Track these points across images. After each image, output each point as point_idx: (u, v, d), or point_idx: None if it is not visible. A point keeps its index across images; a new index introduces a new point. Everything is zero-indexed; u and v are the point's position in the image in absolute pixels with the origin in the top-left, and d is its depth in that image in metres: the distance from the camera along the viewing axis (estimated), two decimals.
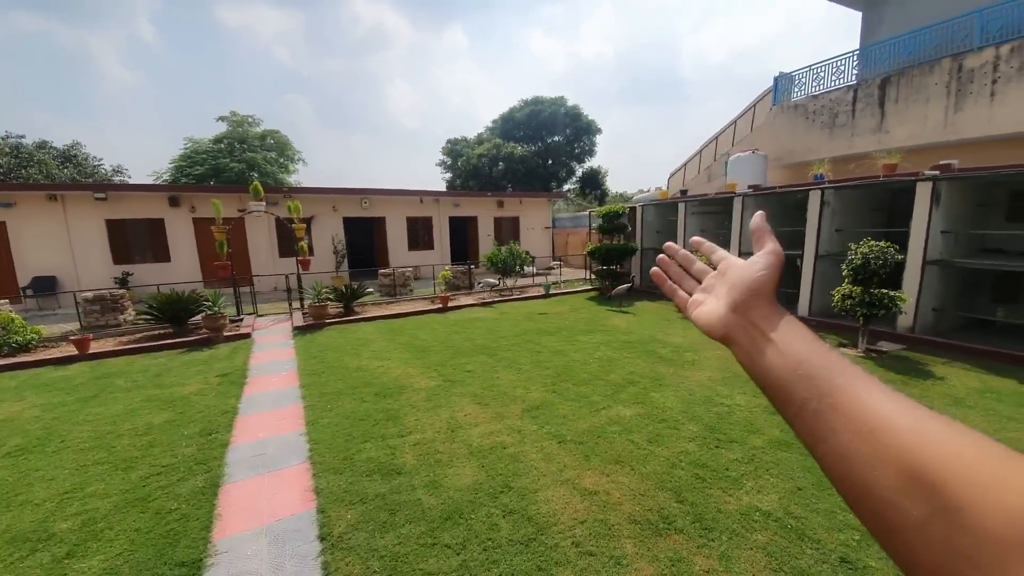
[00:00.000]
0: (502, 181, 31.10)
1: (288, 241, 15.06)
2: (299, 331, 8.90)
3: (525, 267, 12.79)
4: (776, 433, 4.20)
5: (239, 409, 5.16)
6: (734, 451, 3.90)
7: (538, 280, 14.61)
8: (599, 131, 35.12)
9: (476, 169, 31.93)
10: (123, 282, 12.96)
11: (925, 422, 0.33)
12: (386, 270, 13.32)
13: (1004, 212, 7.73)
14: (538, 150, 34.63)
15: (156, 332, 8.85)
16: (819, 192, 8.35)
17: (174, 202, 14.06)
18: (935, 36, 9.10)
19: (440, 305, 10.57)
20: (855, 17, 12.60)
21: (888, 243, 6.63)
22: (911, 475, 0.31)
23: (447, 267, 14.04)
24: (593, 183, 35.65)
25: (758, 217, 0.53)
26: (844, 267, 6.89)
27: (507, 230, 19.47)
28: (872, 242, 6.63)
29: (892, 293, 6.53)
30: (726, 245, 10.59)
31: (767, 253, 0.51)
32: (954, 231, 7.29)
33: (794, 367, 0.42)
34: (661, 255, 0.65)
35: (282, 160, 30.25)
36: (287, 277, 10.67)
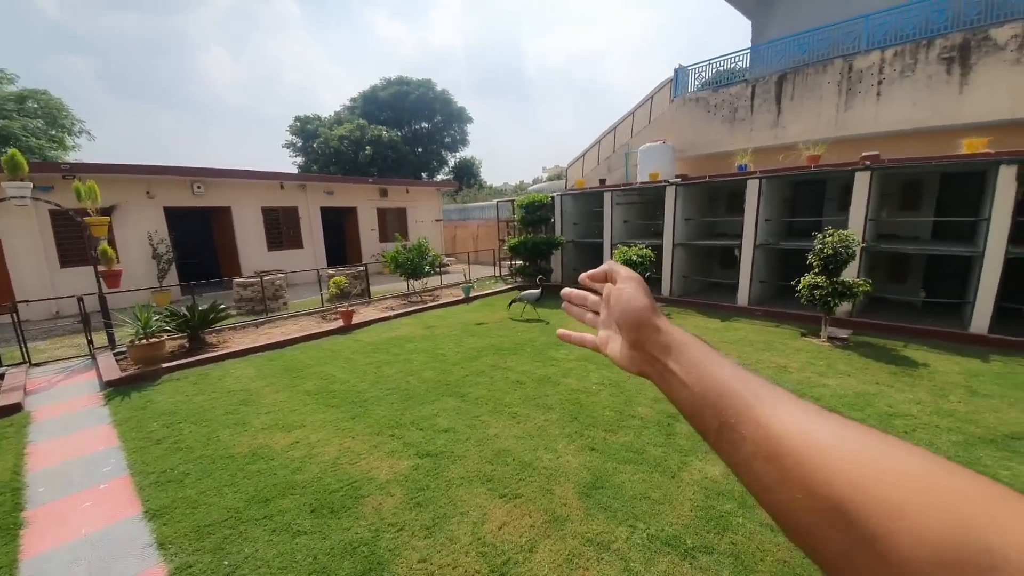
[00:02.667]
0: (369, 168, 27.49)
1: (74, 243, 10.34)
2: (115, 388, 5.57)
3: (436, 268, 10.72)
4: None
5: None
6: None
7: (446, 282, 12.63)
8: (471, 120, 33.71)
9: (338, 153, 27.60)
10: None
11: (833, 440, 0.32)
12: (244, 279, 9.90)
13: (899, 202, 8.58)
14: (406, 136, 31.69)
15: None
16: (757, 181, 8.24)
17: None
18: (828, 36, 9.85)
19: (342, 323, 7.96)
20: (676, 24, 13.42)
21: (851, 232, 6.60)
22: (826, 504, 0.29)
23: (332, 271, 11.12)
24: (468, 174, 34.16)
25: (602, 267, 0.57)
26: (811, 257, 6.70)
27: (393, 223, 16.74)
28: (839, 232, 6.52)
29: (858, 280, 6.52)
30: (656, 237, 10.18)
31: (625, 279, 0.53)
32: (877, 219, 7.75)
33: (700, 396, 0.42)
34: (564, 303, 0.64)
35: (54, 132, 21.75)
36: (80, 300, 6.84)
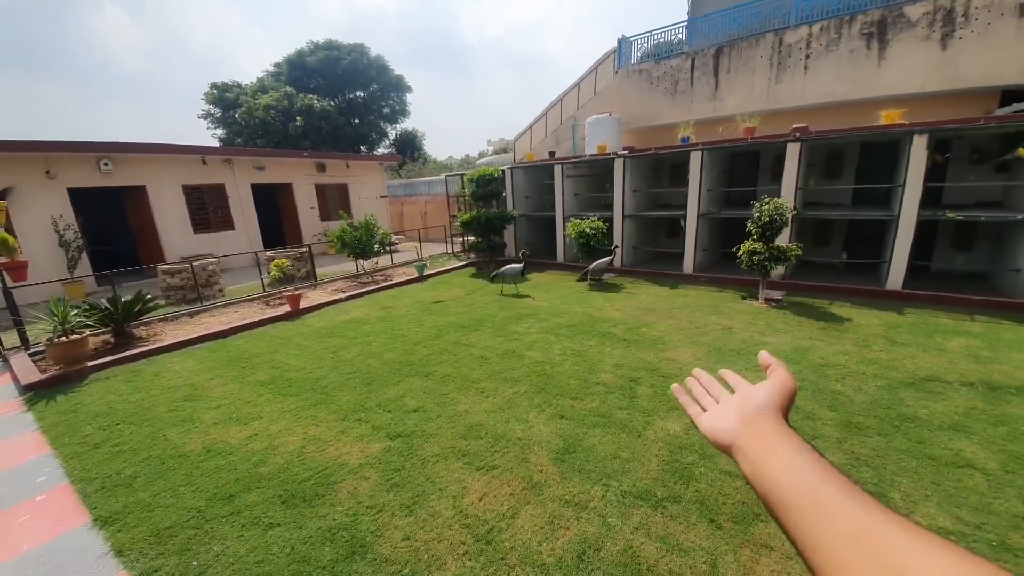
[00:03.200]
0: (301, 141, 25.67)
1: None
2: (37, 392, 4.99)
3: (385, 246, 10.34)
4: (846, 417, 3.71)
5: None
6: (888, 464, 3.19)
7: (397, 261, 12.26)
8: (410, 89, 32.17)
9: (264, 124, 25.45)
10: None
11: (908, 533, 0.36)
12: (171, 265, 9.08)
13: (823, 171, 9.27)
14: (340, 106, 29.79)
15: None
16: (700, 153, 8.57)
17: None
18: (760, 11, 10.25)
19: (289, 308, 7.54)
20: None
21: (784, 200, 7.07)
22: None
23: (271, 253, 10.44)
24: (411, 147, 32.85)
25: (764, 355, 0.63)
26: (750, 224, 7.12)
27: (334, 200, 15.86)
28: (774, 200, 6.96)
29: (790, 245, 7.04)
30: (606, 209, 10.40)
31: (775, 377, 0.59)
32: (805, 187, 8.35)
33: (795, 476, 0.45)
34: (690, 378, 0.73)
35: None
36: None
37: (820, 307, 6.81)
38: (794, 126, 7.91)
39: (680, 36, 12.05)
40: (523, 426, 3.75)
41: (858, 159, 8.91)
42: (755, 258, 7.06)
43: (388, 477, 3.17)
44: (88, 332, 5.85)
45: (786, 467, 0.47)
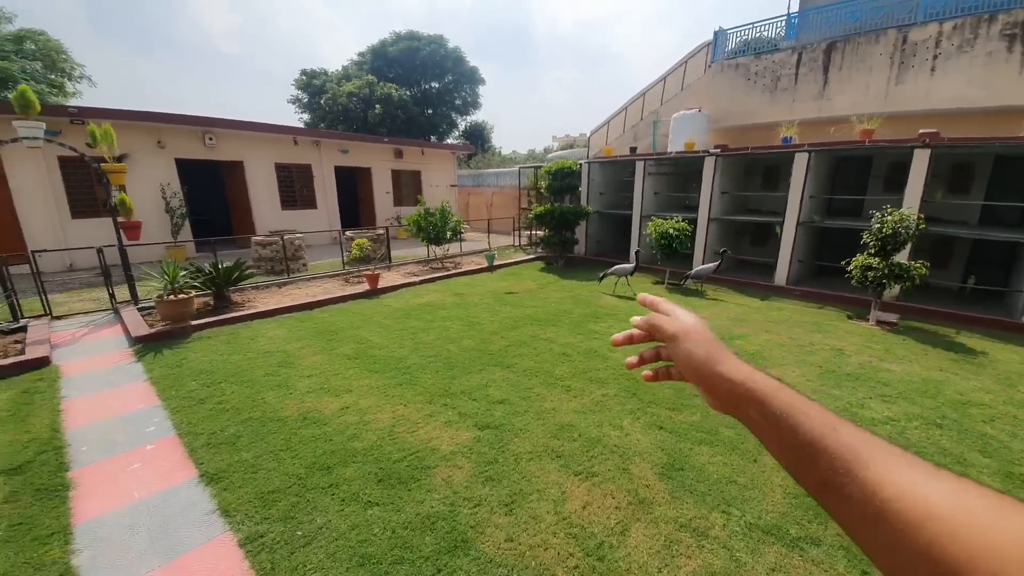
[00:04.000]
0: (379, 128, 26.58)
1: (85, 193, 9.98)
2: (145, 344, 5.36)
3: (457, 234, 10.36)
4: (1005, 467, 3.15)
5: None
6: None
7: (464, 249, 12.31)
8: (483, 81, 32.42)
9: (347, 111, 26.63)
10: None
11: (949, 503, 0.30)
12: (263, 237, 9.57)
13: (946, 184, 8.19)
14: (415, 96, 30.54)
15: None
16: (806, 155, 7.83)
17: None
18: (882, 5, 9.20)
19: (368, 287, 7.71)
20: None
21: (910, 212, 6.29)
22: (942, 569, 0.28)
23: (350, 233, 10.79)
24: (480, 139, 33.15)
25: (646, 320, 0.57)
26: (867, 236, 6.40)
27: (407, 186, 16.25)
28: (899, 211, 6.20)
29: (914, 263, 6.25)
30: (687, 210, 9.84)
31: (672, 337, 0.52)
32: (931, 200, 7.41)
33: (793, 450, 0.40)
34: (632, 358, 0.62)
35: (53, 76, 20.73)
36: (100, 252, 6.55)
37: (945, 335, 6.00)
38: (922, 131, 7.02)
39: (779, 31, 11.12)
40: (618, 432, 3.49)
41: (990, 173, 7.79)
42: (869, 274, 6.34)
43: (482, 469, 3.04)
44: (194, 293, 6.23)
45: (779, 447, 0.42)
